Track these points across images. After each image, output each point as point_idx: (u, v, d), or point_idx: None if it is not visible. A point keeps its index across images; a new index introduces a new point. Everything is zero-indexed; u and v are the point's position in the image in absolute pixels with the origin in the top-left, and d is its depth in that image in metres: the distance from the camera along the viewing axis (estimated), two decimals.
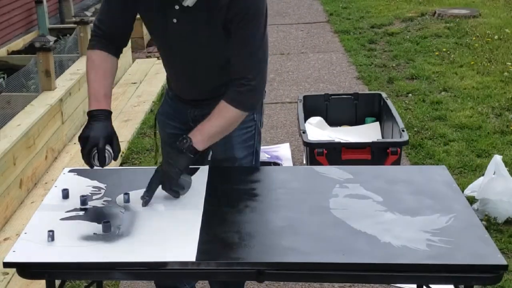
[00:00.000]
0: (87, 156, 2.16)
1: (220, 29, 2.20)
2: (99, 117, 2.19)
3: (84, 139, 2.16)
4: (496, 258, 1.88)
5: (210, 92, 2.40)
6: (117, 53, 2.37)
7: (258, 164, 2.60)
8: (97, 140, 2.14)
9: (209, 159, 2.57)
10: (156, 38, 2.39)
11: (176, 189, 2.21)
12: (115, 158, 2.21)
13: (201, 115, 2.39)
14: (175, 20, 2.21)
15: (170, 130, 2.53)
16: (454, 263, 1.87)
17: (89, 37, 6.03)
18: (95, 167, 2.19)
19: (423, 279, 1.99)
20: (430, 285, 2.35)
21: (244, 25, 2.19)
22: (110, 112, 2.23)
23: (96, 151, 2.15)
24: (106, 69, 2.31)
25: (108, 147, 2.17)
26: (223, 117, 2.25)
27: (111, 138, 2.19)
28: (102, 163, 2.16)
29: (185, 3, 2.13)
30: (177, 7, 2.18)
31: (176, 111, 2.52)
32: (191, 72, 2.39)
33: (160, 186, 2.21)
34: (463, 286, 2.00)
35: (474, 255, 1.90)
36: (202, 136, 2.21)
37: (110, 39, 2.34)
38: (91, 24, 6.02)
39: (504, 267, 1.86)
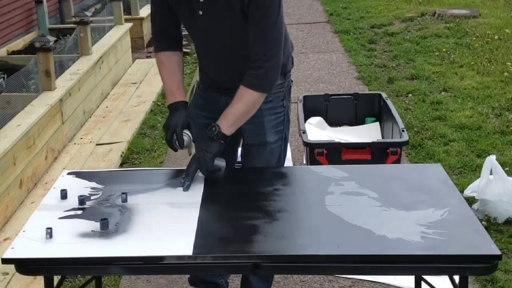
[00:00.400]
0: (170, 141, 2.43)
1: (241, 17, 2.32)
2: (176, 107, 2.46)
3: (165, 128, 2.45)
4: (490, 248, 1.90)
5: (241, 79, 2.50)
6: (178, 46, 2.59)
7: (286, 149, 2.73)
8: (175, 127, 2.41)
9: (241, 144, 2.72)
10: (188, 30, 2.55)
11: (212, 171, 2.37)
12: (194, 140, 2.44)
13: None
14: (200, 12, 2.37)
15: (202, 120, 2.62)
16: (449, 253, 1.89)
17: (89, 37, 6.02)
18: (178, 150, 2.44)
19: (418, 270, 2.02)
20: (426, 277, 2.38)
21: (258, 9, 2.30)
22: (185, 102, 2.50)
23: (176, 136, 2.40)
24: (174, 66, 2.55)
25: (186, 131, 2.42)
26: (244, 101, 2.40)
27: (188, 123, 2.44)
28: (181, 144, 2.40)
29: None
30: None
31: (208, 102, 2.65)
32: (222, 60, 2.53)
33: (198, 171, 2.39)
34: (458, 277, 2.00)
35: (468, 246, 1.92)
36: (227, 122, 2.39)
37: (167, 35, 2.56)
38: (91, 24, 6.06)
39: (498, 257, 1.88)
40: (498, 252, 1.88)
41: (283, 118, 2.66)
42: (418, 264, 1.93)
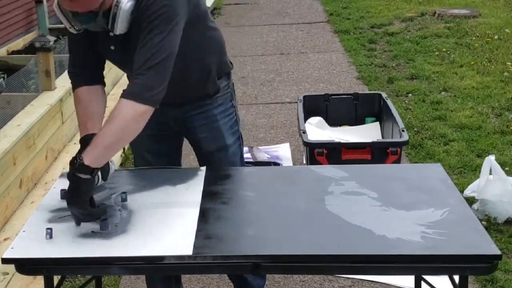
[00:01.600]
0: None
1: None
2: (87, 142, 2.16)
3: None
4: (490, 248, 1.90)
5: (182, 97, 2.47)
6: (98, 78, 2.39)
7: (243, 147, 2.72)
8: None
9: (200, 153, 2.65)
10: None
11: (95, 214, 2.08)
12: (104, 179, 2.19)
13: (182, 116, 2.52)
14: (112, 47, 2.28)
15: (148, 131, 2.37)
16: (448, 253, 1.89)
17: None
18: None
19: (418, 270, 2.02)
20: (426, 277, 2.38)
21: (147, 29, 2.14)
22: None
23: None
24: (91, 101, 2.32)
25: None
26: (119, 115, 2.10)
27: None
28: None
29: (116, 32, 2.16)
30: (111, 34, 2.22)
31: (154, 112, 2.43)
32: None
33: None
34: (458, 276, 2.01)
35: (468, 246, 1.92)
36: (97, 149, 2.07)
37: (84, 67, 2.37)
38: None
39: (498, 257, 1.88)
40: (498, 252, 1.88)
41: (235, 118, 2.64)
42: (418, 264, 1.93)
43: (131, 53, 2.19)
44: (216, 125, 2.53)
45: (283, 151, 4.73)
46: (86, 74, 2.36)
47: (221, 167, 2.55)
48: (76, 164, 2.04)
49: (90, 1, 2.07)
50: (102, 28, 2.17)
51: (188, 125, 2.58)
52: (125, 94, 2.12)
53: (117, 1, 2.11)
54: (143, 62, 2.12)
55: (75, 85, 2.37)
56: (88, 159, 2.04)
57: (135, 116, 2.10)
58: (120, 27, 2.15)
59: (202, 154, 2.62)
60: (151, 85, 2.12)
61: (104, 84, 2.41)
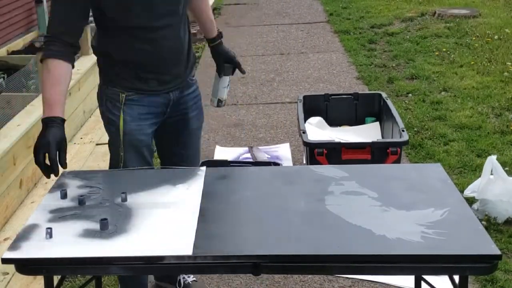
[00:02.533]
0: (42, 164, 2.23)
1: None
2: (50, 123, 2.28)
3: (37, 147, 2.24)
4: (490, 248, 1.89)
5: (181, 74, 2.62)
6: (71, 57, 2.39)
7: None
8: (47, 146, 2.22)
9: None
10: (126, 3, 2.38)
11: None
12: (62, 166, 2.23)
13: (180, 96, 2.64)
14: None
15: (148, 130, 2.61)
16: (448, 253, 1.89)
17: (89, 37, 6.02)
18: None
19: (418, 270, 2.01)
20: (426, 277, 2.38)
21: None
22: (63, 120, 2.30)
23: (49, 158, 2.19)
24: (60, 77, 2.33)
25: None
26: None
27: (62, 144, 2.25)
28: (55, 170, 2.21)
29: None
30: None
31: (151, 106, 2.58)
32: (175, 30, 2.51)
33: None
34: (458, 276, 2.01)
35: (468, 246, 1.92)
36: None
37: (64, 38, 2.35)
38: (91, 25, 6.04)
39: (498, 257, 1.87)
40: (498, 252, 1.88)
41: (199, 92, 2.82)
42: (418, 264, 1.92)
43: None
44: (200, 102, 2.75)
45: (283, 151, 4.73)
46: (65, 46, 2.34)
47: (198, 144, 2.82)
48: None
49: None
50: None
51: (182, 106, 2.69)
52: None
53: None
54: None
55: (51, 53, 2.33)
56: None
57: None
58: None
59: (185, 134, 2.75)
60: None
61: (73, 66, 2.40)
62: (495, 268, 1.90)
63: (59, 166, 2.22)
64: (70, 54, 2.38)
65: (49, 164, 2.23)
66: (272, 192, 2.33)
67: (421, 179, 2.37)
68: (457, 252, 1.90)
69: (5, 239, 3.48)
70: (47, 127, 2.26)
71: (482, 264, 1.89)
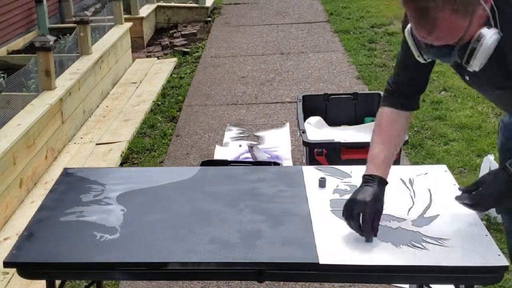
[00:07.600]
0: (349, 218, 2.03)
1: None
2: (369, 181, 2.10)
3: (351, 202, 2.05)
4: (497, 258, 1.87)
5: None
6: (411, 104, 2.31)
7: None
8: (363, 205, 2.01)
9: None
10: None
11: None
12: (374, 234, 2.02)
13: None
14: (467, 78, 2.13)
15: None
16: (455, 264, 1.86)
17: (89, 36, 6.02)
18: None
19: (424, 279, 1.98)
20: (431, 285, 2.36)
21: None
22: (384, 181, 2.13)
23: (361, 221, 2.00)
24: (393, 132, 2.31)
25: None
26: None
27: (378, 210, 2.03)
28: (368, 235, 2.00)
29: (471, 69, 1.94)
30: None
31: None
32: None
33: None
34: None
35: (474, 255, 1.89)
36: None
37: (402, 100, 2.28)
38: (91, 24, 6.06)
39: (505, 268, 1.85)
40: (505, 263, 1.85)
41: None
42: (424, 274, 1.89)
43: (484, 82, 2.07)
44: None
45: (283, 151, 4.73)
46: (400, 99, 2.28)
47: None
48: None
49: (449, 36, 1.85)
50: (455, 62, 1.97)
51: None
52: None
53: (479, 36, 1.84)
54: None
55: (390, 102, 2.30)
56: None
57: None
58: (476, 64, 1.91)
59: None
60: None
61: (410, 111, 2.31)
62: (501, 278, 1.88)
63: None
64: (410, 103, 2.32)
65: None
66: (275, 194, 2.31)
67: (427, 183, 2.34)
68: (463, 263, 1.87)
69: (5, 239, 3.48)
70: (366, 185, 2.10)
71: (488, 274, 1.86)
